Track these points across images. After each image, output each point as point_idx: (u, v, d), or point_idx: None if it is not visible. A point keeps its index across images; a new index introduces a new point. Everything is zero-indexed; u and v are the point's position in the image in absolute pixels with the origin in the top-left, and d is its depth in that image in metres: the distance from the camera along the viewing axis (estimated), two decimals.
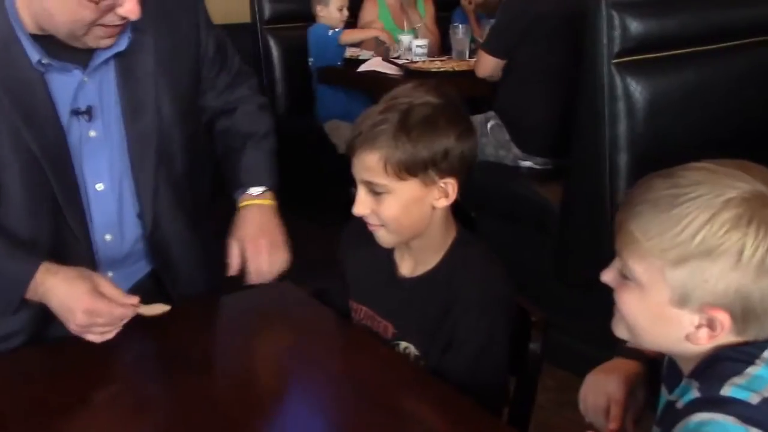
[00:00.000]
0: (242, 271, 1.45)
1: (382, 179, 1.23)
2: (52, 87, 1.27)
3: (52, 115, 1.28)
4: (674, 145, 2.44)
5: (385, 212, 1.25)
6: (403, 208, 1.25)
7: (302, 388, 1.24)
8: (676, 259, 0.85)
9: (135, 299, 1.26)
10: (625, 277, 0.92)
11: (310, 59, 3.85)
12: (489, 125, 2.99)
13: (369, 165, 1.23)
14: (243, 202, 1.51)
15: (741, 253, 0.82)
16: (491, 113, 3.03)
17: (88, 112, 1.32)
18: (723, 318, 0.86)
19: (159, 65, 1.37)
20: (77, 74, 1.30)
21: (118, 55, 1.33)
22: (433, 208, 1.26)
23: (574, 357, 2.11)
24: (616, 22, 2.34)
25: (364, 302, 1.39)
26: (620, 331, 0.98)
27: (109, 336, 1.24)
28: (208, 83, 1.53)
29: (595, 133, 2.41)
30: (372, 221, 1.28)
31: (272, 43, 4.16)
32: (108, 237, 1.39)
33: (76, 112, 1.30)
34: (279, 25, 4.17)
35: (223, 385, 1.23)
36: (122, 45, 1.31)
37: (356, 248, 1.42)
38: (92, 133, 1.34)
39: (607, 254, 2.41)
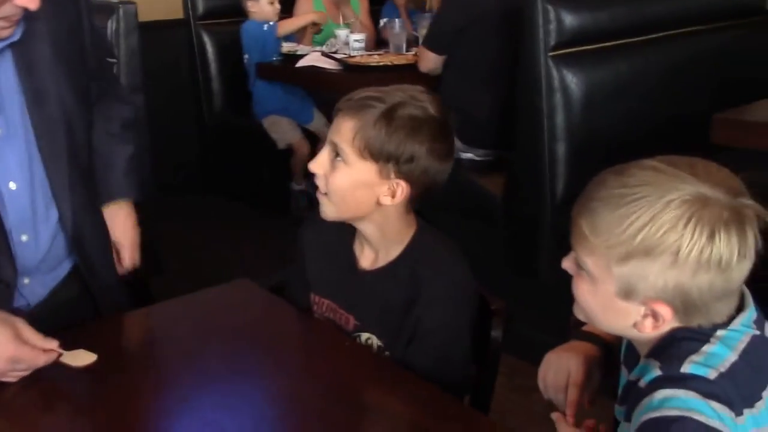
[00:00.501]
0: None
1: (346, 147, 1.26)
2: None
3: None
4: (609, 134, 2.53)
5: (335, 180, 1.28)
6: (350, 184, 1.28)
7: (267, 384, 1.24)
8: (620, 256, 0.90)
9: (55, 344, 1.22)
10: (580, 267, 0.96)
11: (246, 56, 3.82)
12: None
13: (342, 130, 1.26)
14: (108, 204, 1.59)
15: (678, 252, 0.88)
16: None
17: None
18: (664, 311, 0.92)
19: (55, 53, 1.33)
20: None
21: (12, 45, 1.27)
22: (378, 203, 1.29)
23: (523, 343, 2.16)
24: (552, 15, 2.40)
25: (325, 295, 1.41)
26: (579, 315, 1.03)
27: (25, 375, 1.20)
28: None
29: (534, 124, 2.48)
30: (320, 184, 1.31)
31: (206, 39, 4.12)
32: (24, 237, 1.34)
33: None
34: (213, 21, 4.13)
35: (187, 384, 1.23)
36: (17, 34, 1.25)
37: (316, 242, 1.43)
38: None
39: (549, 242, 2.49)
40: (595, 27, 2.54)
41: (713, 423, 0.86)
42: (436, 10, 3.11)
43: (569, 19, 2.44)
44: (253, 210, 3.98)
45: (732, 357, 0.90)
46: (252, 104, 3.88)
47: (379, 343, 1.34)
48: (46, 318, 1.33)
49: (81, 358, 1.24)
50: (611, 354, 1.18)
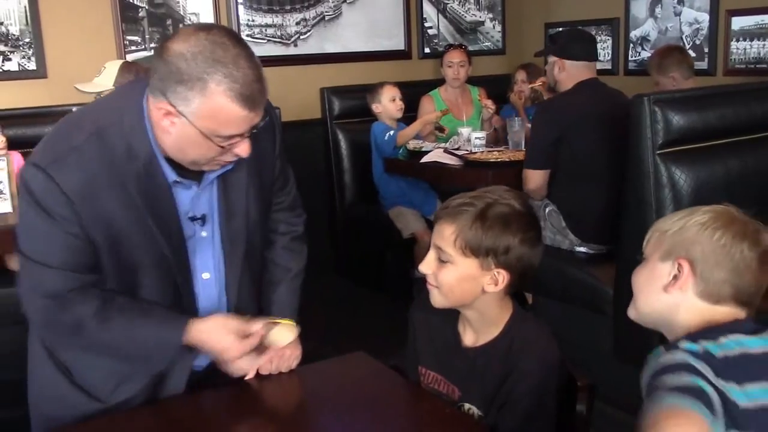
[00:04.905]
0: None
1: (449, 249, 1.46)
2: (176, 198, 1.54)
3: (176, 220, 1.55)
4: None
5: (443, 277, 1.48)
6: (457, 279, 1.47)
7: None
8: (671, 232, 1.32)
9: (259, 325, 1.58)
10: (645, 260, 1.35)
11: (374, 153, 4.15)
12: (546, 210, 3.19)
13: (444, 234, 1.47)
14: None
15: (703, 224, 1.28)
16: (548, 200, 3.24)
17: (202, 219, 1.59)
18: (686, 265, 1.27)
19: (249, 177, 1.64)
20: (194, 188, 1.57)
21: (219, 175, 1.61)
22: (483, 291, 1.47)
23: (624, 428, 2.24)
24: (659, 116, 2.55)
25: (432, 368, 1.59)
26: (631, 312, 1.41)
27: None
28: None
29: (643, 218, 2.59)
30: (430, 281, 1.51)
31: (341, 136, 4.51)
32: None
33: (192, 218, 1.58)
34: (346, 120, 4.52)
35: None
36: (228, 166, 1.58)
37: (425, 320, 1.63)
38: (203, 234, 1.61)
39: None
40: (704, 127, 2.66)
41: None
42: (530, 133, 3.26)
43: (676, 120, 2.57)
44: (378, 293, 4.22)
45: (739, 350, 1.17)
46: (379, 196, 4.18)
47: (479, 413, 1.50)
48: (211, 376, 1.63)
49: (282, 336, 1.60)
50: None
